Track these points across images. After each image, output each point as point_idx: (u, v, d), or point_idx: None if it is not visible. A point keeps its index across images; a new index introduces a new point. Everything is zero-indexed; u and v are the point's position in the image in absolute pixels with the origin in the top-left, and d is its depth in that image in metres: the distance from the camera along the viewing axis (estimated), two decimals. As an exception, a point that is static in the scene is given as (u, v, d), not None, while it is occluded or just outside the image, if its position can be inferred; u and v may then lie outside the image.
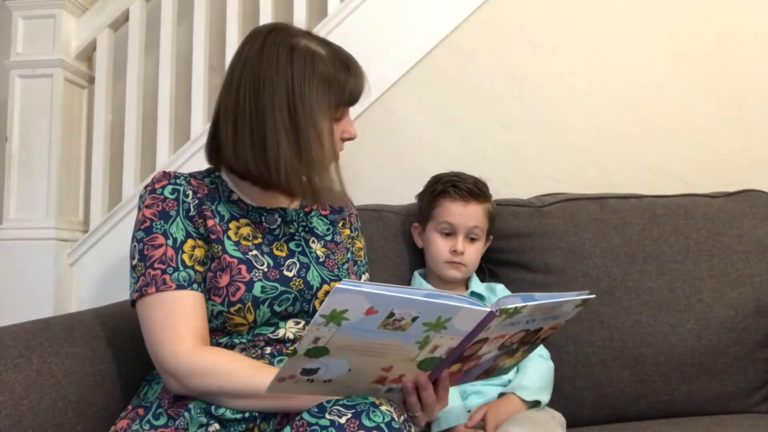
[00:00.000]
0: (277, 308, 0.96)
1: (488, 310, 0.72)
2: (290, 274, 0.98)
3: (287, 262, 0.99)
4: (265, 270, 0.96)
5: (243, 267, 0.95)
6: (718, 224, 1.38)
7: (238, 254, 0.96)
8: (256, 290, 0.94)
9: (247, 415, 0.87)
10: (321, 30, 1.64)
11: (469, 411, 1.11)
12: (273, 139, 0.94)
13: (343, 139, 1.03)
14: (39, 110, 1.65)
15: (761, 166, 1.60)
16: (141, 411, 0.93)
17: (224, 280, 0.94)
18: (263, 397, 0.81)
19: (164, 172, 1.01)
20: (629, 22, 1.66)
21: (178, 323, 0.90)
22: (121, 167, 1.69)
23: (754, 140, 1.62)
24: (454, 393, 1.14)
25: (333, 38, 1.70)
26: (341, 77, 1.00)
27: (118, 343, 1.07)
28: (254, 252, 0.97)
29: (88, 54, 1.76)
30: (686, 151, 1.63)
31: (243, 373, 0.86)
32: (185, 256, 0.94)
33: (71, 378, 0.95)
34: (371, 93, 1.63)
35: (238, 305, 0.93)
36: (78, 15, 1.73)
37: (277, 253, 1.00)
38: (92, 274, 1.64)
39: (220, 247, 0.96)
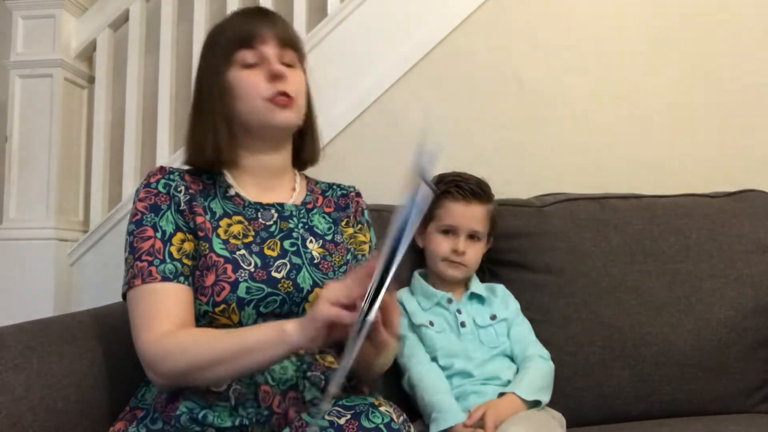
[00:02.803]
0: (263, 310, 0.93)
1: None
2: (279, 276, 0.95)
3: (277, 263, 0.96)
4: (252, 270, 0.94)
5: (229, 266, 0.93)
6: (718, 224, 1.38)
7: (225, 253, 0.94)
8: (241, 291, 0.92)
9: (237, 422, 0.86)
10: (321, 30, 1.64)
11: (468, 411, 1.11)
12: (203, 122, 1.00)
13: (272, 78, 0.98)
14: (39, 110, 1.65)
15: (761, 166, 1.60)
16: (138, 413, 0.92)
17: (210, 279, 0.92)
18: (230, 360, 0.83)
19: (161, 167, 1.02)
20: (629, 22, 1.66)
21: (156, 312, 0.89)
22: (121, 167, 1.69)
23: (754, 140, 1.63)
24: (450, 393, 1.15)
25: (333, 38, 1.72)
26: (225, 26, 1.04)
27: (118, 343, 1.07)
28: (242, 251, 0.95)
29: (88, 54, 1.76)
30: (686, 151, 1.63)
31: (206, 342, 0.86)
32: (173, 249, 0.93)
33: (71, 378, 0.95)
34: (371, 93, 1.65)
35: (223, 305, 0.91)
36: (78, 15, 1.73)
37: (267, 252, 0.97)
38: (92, 274, 1.64)
39: (208, 245, 0.94)
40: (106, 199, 1.70)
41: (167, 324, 0.88)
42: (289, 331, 0.80)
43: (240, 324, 0.92)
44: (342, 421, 0.74)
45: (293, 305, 0.96)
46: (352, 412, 0.75)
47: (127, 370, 1.05)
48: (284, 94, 0.97)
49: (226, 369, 0.84)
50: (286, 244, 1.00)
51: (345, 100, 1.62)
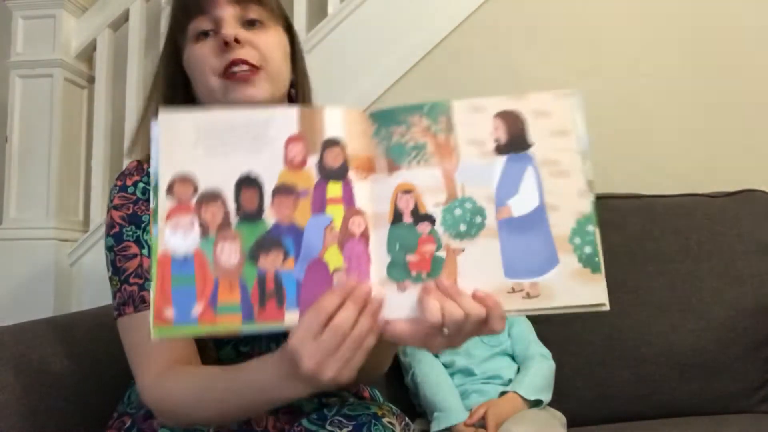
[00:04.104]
0: (242, 348, 0.82)
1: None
2: None
3: None
4: None
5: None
6: (718, 224, 1.38)
7: None
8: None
9: None
10: (321, 30, 1.64)
11: (470, 410, 1.11)
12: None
13: (226, 44, 0.79)
14: (39, 110, 1.65)
15: (761, 166, 1.60)
16: (127, 420, 0.83)
17: None
18: (242, 411, 0.70)
19: (137, 162, 0.87)
20: (629, 21, 1.66)
21: (151, 349, 0.76)
22: (121, 167, 1.69)
23: (754, 140, 1.62)
24: (453, 392, 1.15)
25: (333, 38, 1.72)
26: (172, 8, 0.87)
27: (118, 343, 1.07)
28: None
29: (88, 54, 1.76)
30: (686, 151, 1.63)
31: (208, 394, 0.71)
32: None
33: (71, 378, 0.95)
34: (371, 93, 1.65)
35: (200, 342, 0.80)
36: (78, 15, 1.73)
37: None
38: (92, 274, 1.64)
39: None
40: (106, 199, 1.70)
41: (165, 358, 0.75)
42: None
43: (220, 362, 0.79)
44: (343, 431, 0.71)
45: (271, 341, 0.83)
46: (354, 423, 0.72)
47: (127, 371, 1.05)
48: (240, 62, 0.78)
49: (236, 416, 0.72)
50: None
51: (345, 100, 1.62)
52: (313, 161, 0.62)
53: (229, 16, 0.80)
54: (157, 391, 0.74)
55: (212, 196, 0.61)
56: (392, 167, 0.63)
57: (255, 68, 0.79)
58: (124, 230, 0.81)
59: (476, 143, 0.64)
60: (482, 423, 1.08)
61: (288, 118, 0.63)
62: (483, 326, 0.60)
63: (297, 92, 0.90)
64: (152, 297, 0.58)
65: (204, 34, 0.81)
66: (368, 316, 0.60)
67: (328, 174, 0.62)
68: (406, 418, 0.79)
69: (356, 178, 0.63)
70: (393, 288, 0.61)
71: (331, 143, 0.63)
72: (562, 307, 0.61)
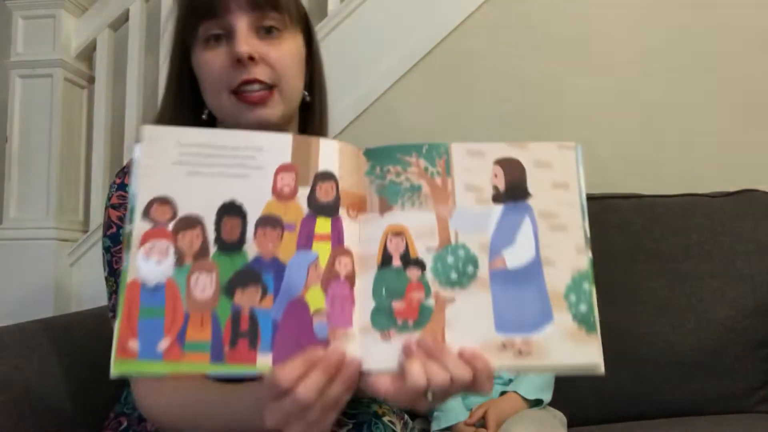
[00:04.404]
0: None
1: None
2: None
3: None
4: None
5: None
6: (718, 224, 1.38)
7: None
8: None
9: None
10: (321, 30, 1.64)
11: (470, 409, 1.11)
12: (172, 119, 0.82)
13: (238, 62, 0.75)
14: (39, 110, 1.65)
15: (761, 166, 1.60)
16: (123, 420, 0.84)
17: None
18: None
19: None
20: (629, 21, 1.66)
21: None
22: (121, 167, 1.69)
23: (754, 140, 1.62)
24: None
25: (333, 38, 1.72)
26: (180, 6, 0.82)
27: (118, 343, 1.07)
28: None
29: (88, 54, 1.76)
30: (686, 151, 1.63)
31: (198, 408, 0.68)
32: None
33: (71, 378, 0.95)
34: (371, 93, 1.65)
35: None
36: (78, 15, 1.73)
37: None
38: (92, 274, 1.64)
39: None
40: (106, 199, 1.70)
41: None
42: None
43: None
44: (343, 431, 0.70)
45: None
46: (354, 422, 0.72)
47: (127, 370, 1.05)
48: (253, 81, 0.75)
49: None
50: None
51: (345, 100, 1.62)
52: (303, 194, 0.59)
53: (243, 26, 0.75)
54: (149, 400, 0.73)
55: (191, 222, 0.56)
56: (384, 207, 0.60)
57: (268, 88, 0.76)
58: (121, 231, 0.79)
59: (474, 189, 0.61)
60: (482, 422, 1.08)
61: (281, 145, 0.59)
62: (470, 387, 0.56)
63: (312, 93, 0.87)
64: (117, 328, 0.53)
65: (215, 38, 0.77)
66: (341, 384, 0.55)
67: (318, 209, 0.59)
68: (406, 417, 0.79)
69: (347, 216, 0.60)
70: (376, 336, 0.57)
71: (324, 177, 0.60)
72: (555, 367, 0.59)
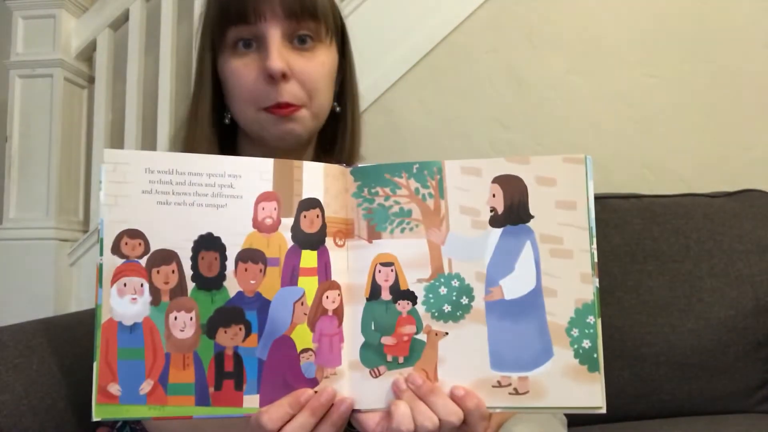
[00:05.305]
0: None
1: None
2: None
3: None
4: None
5: None
6: (718, 224, 1.38)
7: None
8: None
9: None
10: (321, 30, 1.64)
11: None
12: (195, 129, 0.80)
13: (268, 77, 0.72)
14: (39, 110, 1.65)
15: (761, 166, 1.60)
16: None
17: None
18: None
19: None
20: (629, 21, 1.66)
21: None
22: (121, 167, 1.69)
23: (753, 140, 1.62)
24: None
25: (333, 38, 1.72)
26: (211, 5, 0.78)
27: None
28: None
29: (88, 54, 1.76)
30: (686, 151, 1.63)
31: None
32: None
33: (71, 378, 0.95)
34: (371, 93, 1.65)
35: None
36: (78, 15, 1.73)
37: None
38: (92, 274, 1.63)
39: None
40: (106, 199, 1.70)
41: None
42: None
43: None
44: None
45: None
46: None
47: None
48: (284, 105, 0.74)
49: None
50: None
51: (345, 100, 1.62)
52: (286, 224, 0.55)
53: (276, 37, 0.72)
54: (147, 424, 0.72)
55: (166, 257, 0.53)
56: (372, 234, 0.57)
57: (294, 108, 0.74)
58: None
59: (469, 212, 0.57)
60: (482, 423, 1.07)
61: (261, 171, 0.55)
62: (461, 428, 0.54)
63: (343, 104, 0.85)
64: (95, 370, 0.52)
65: (245, 44, 0.73)
66: (330, 426, 0.53)
67: (303, 242, 0.56)
68: None
69: (333, 245, 0.56)
70: (365, 373, 0.55)
71: (309, 205, 0.56)
72: (552, 409, 0.56)
